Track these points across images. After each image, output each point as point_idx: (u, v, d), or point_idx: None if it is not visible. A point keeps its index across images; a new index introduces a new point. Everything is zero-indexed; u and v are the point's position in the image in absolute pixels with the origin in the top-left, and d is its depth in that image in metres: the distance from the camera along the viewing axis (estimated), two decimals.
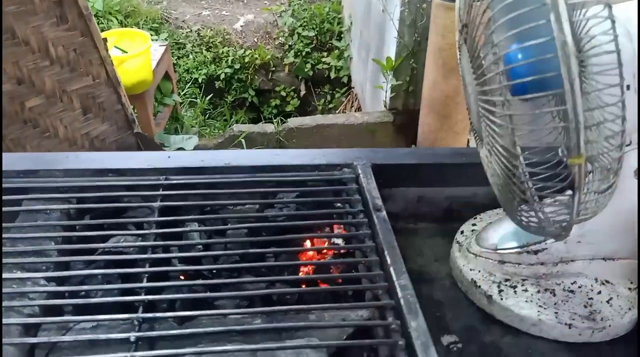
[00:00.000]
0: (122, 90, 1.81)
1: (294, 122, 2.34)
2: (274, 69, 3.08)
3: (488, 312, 0.63)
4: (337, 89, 3.01)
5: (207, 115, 2.84)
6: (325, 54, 3.06)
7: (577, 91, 0.42)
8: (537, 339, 0.61)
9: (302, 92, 3.11)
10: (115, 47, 2.05)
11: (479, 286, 0.64)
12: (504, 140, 0.50)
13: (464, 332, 0.62)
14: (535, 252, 0.63)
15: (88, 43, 1.66)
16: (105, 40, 1.69)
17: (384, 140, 2.26)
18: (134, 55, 2.01)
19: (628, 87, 0.51)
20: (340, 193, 0.67)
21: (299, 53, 3.06)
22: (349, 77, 2.94)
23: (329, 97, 3.04)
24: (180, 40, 3.00)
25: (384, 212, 0.63)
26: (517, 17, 0.48)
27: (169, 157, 0.71)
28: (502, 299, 0.62)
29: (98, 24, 2.03)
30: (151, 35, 2.38)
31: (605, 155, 0.50)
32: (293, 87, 3.11)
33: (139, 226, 0.62)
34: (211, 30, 3.03)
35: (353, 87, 2.90)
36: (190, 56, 2.94)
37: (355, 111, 2.72)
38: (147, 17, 2.98)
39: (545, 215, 0.51)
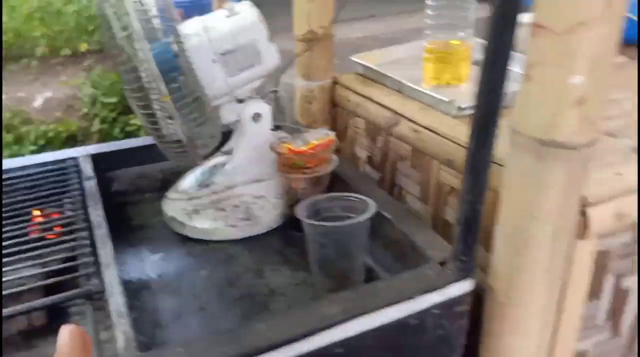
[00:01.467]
0: None
1: None
2: (82, 138, 3.19)
3: (185, 235, 0.89)
4: None
5: None
6: (132, 116, 3.25)
7: (149, 59, 0.71)
8: (220, 243, 0.88)
9: None
10: None
11: (176, 219, 0.89)
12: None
13: (168, 250, 0.87)
14: (208, 185, 0.91)
15: None
16: None
17: None
18: None
19: (214, 61, 0.83)
20: (64, 178, 0.90)
21: (105, 120, 3.21)
22: None
23: None
24: None
25: (93, 181, 0.87)
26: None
27: None
28: (192, 222, 0.88)
29: None
30: None
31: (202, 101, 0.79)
32: None
33: None
34: (8, 112, 3.06)
35: None
36: None
37: None
38: None
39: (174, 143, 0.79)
